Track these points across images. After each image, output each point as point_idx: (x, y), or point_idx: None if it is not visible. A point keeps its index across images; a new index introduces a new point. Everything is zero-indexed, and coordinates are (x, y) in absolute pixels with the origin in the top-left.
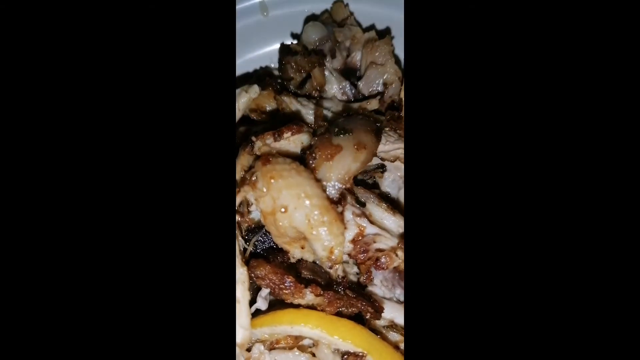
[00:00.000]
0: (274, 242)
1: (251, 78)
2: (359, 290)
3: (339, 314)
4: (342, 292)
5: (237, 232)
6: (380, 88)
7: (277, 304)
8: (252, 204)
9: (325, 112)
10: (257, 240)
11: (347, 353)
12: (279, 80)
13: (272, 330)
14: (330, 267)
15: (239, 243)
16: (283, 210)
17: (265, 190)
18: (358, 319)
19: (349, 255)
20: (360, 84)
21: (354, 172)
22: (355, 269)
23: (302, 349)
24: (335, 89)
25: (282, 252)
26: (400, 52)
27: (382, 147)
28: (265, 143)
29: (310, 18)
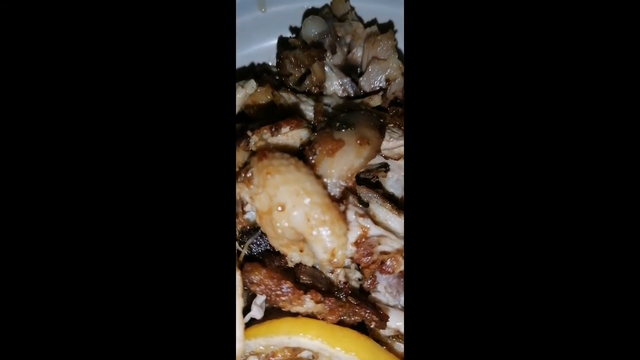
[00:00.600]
0: (270, 245)
1: (248, 74)
2: (362, 297)
3: (340, 323)
4: (344, 299)
5: None
6: (382, 84)
7: (273, 312)
8: (247, 203)
9: (325, 108)
10: (252, 243)
11: None
12: (277, 77)
13: (268, 342)
14: (332, 272)
15: None
16: (280, 208)
17: (261, 187)
18: (361, 328)
19: (352, 258)
20: (362, 81)
21: (357, 168)
22: (358, 275)
23: None
24: (336, 85)
25: (279, 255)
26: (403, 47)
27: (385, 144)
28: (261, 138)
29: (310, 12)
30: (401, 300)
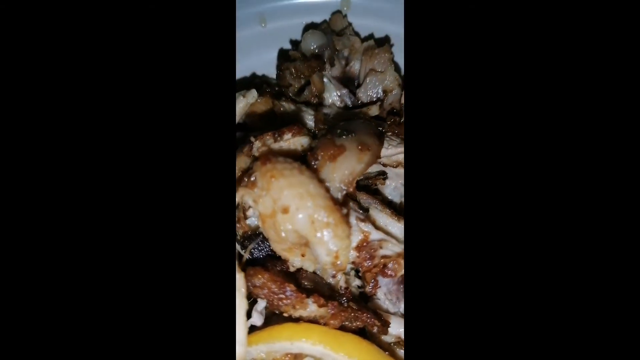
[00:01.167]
0: (271, 250)
1: (249, 85)
2: (362, 303)
3: (342, 329)
4: (346, 304)
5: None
6: (379, 95)
7: (272, 320)
8: (249, 207)
9: (325, 116)
10: (253, 248)
11: None
12: (277, 88)
13: (270, 348)
14: (333, 276)
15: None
16: (284, 211)
17: (265, 190)
18: (361, 335)
19: (353, 263)
20: (359, 92)
21: (358, 173)
22: (357, 282)
23: None
24: (334, 96)
25: (280, 260)
26: (398, 59)
27: (384, 152)
28: (264, 143)
29: (309, 27)
30: (401, 307)
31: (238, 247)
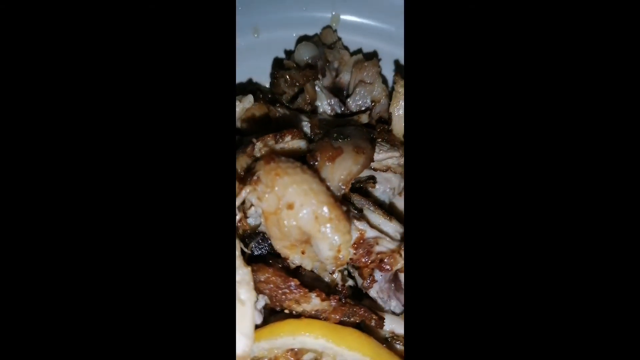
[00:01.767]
0: (270, 249)
1: (242, 91)
2: (357, 301)
3: (340, 324)
4: (344, 300)
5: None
6: (368, 104)
7: (270, 319)
8: (250, 206)
9: (320, 121)
10: (253, 246)
11: None
12: (269, 95)
13: (272, 344)
14: (332, 273)
15: (239, 244)
16: (289, 207)
17: (269, 187)
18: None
19: (351, 259)
20: (349, 101)
21: (355, 174)
22: (350, 282)
23: None
24: (325, 105)
25: (280, 258)
26: (385, 74)
27: (375, 156)
28: (266, 144)
29: (302, 39)
30: (391, 305)
31: (241, 244)
